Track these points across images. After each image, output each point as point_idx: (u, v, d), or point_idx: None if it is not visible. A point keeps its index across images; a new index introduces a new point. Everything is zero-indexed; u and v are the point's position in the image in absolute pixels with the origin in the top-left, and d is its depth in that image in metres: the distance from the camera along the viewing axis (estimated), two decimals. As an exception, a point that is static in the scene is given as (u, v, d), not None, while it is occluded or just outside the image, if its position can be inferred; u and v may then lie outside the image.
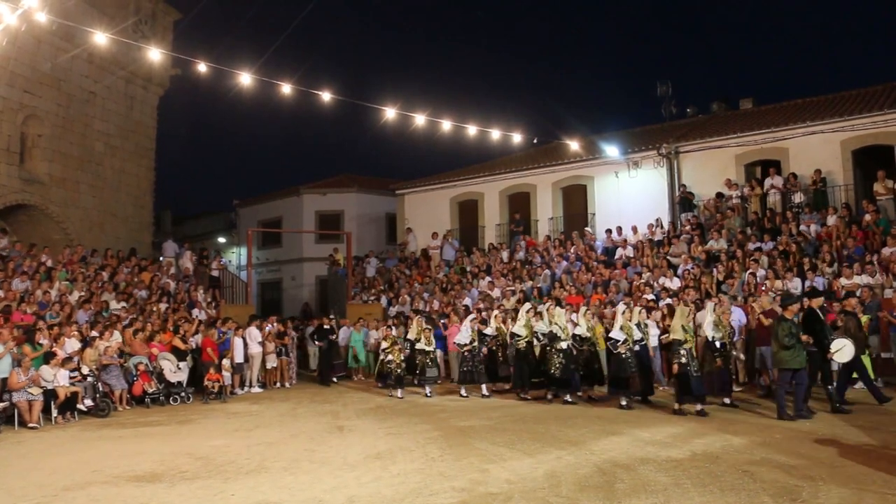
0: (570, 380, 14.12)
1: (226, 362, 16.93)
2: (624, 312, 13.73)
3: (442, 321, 19.35)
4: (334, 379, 19.60)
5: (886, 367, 14.41)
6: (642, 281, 18.97)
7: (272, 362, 18.79)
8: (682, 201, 22.57)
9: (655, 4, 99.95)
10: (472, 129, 21.00)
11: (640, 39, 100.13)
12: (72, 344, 15.12)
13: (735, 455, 8.84)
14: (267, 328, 19.08)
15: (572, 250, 22.63)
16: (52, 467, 9.48)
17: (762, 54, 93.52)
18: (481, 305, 19.98)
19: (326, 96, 18.44)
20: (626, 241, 22.22)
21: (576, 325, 14.73)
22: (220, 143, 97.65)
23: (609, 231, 23.00)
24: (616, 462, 8.62)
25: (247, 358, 18.23)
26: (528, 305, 16.27)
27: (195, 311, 20.57)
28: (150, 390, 15.64)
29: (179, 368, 16.45)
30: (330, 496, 7.58)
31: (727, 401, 12.76)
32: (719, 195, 21.87)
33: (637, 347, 13.46)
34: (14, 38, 21.35)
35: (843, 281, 16.00)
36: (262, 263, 34.13)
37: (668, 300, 16.61)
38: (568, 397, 14.04)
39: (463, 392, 15.78)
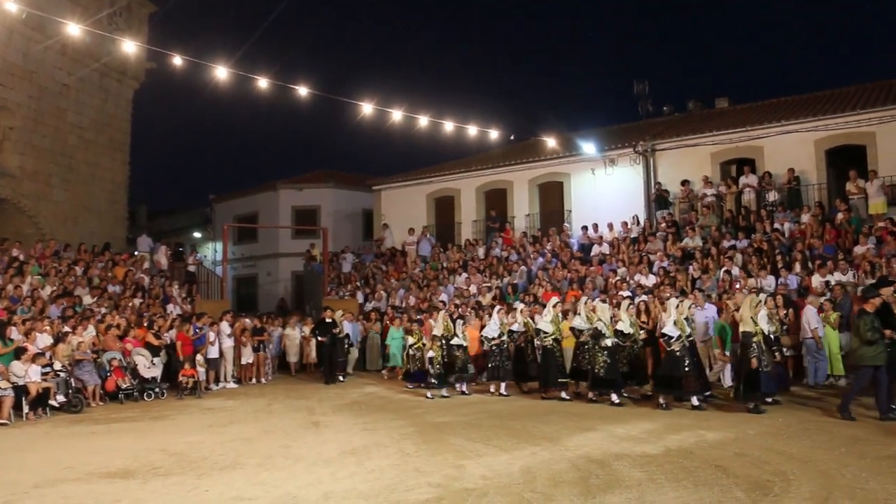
0: (616, 379, 13.27)
1: (200, 358, 16.81)
2: (678, 306, 12.84)
3: (418, 317, 19.32)
4: (340, 377, 18.53)
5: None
6: (618, 278, 19.08)
7: (248, 358, 18.68)
8: (658, 199, 22.72)
9: (633, 3, 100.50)
10: (449, 126, 21.03)
11: (618, 38, 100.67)
12: (44, 339, 14.93)
13: (708, 450, 8.92)
14: (246, 322, 19.00)
15: (548, 247, 22.70)
16: (23, 464, 9.37)
17: (738, 54, 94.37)
18: (457, 301, 20.00)
19: (303, 91, 18.41)
20: (601, 237, 22.34)
21: (618, 320, 13.84)
22: (196, 137, 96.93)
23: (585, 228, 23.11)
24: (590, 458, 8.67)
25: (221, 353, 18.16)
26: (554, 300, 15.41)
27: (170, 307, 20.41)
28: (124, 386, 15.49)
29: (153, 364, 16.31)
30: (305, 492, 7.55)
31: (778, 398, 12.32)
32: (684, 182, 22.17)
33: (687, 343, 12.66)
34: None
35: (816, 278, 16.16)
36: (237, 259, 33.94)
37: (644, 297, 16.70)
38: (615, 397, 13.12)
39: (492, 389, 15.07)
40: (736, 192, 21.27)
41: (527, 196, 26.07)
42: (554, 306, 14.81)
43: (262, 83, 17.88)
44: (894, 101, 20.08)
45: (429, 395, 15.09)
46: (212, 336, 17.47)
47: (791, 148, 21.02)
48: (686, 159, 23.03)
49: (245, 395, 16.53)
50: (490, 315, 16.27)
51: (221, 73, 17.17)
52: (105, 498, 7.59)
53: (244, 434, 11.24)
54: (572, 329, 14.38)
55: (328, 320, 18.71)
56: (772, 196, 20.39)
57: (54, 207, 24.88)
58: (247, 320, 19.41)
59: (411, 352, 16.54)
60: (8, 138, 23.40)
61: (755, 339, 11.64)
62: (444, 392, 15.09)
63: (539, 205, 25.97)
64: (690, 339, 12.78)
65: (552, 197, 25.69)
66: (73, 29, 17.94)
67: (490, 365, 15.28)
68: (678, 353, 12.41)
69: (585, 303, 14.52)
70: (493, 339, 15.19)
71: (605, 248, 21.60)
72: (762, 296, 12.76)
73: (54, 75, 24.95)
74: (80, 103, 26.09)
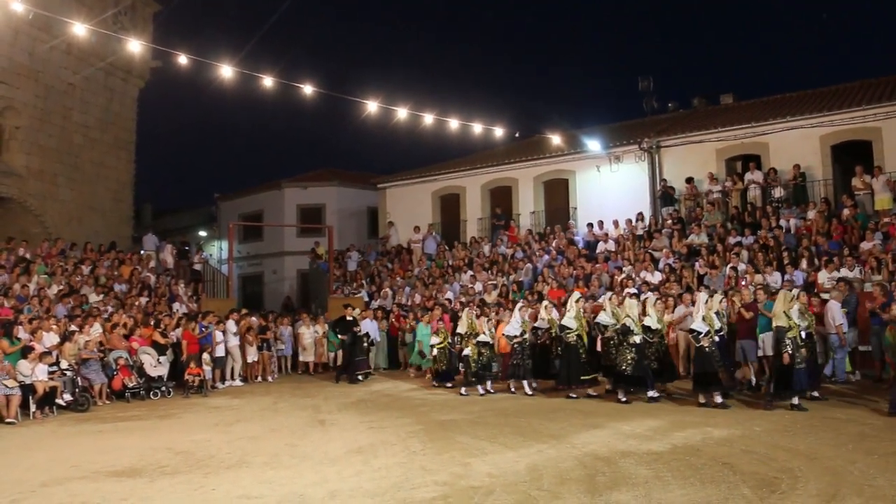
0: (645, 377, 12.86)
1: (206, 356, 16.83)
2: (706, 301, 12.61)
3: (423, 314, 19.32)
4: (359, 377, 17.82)
5: (864, 361, 14.52)
6: (624, 275, 19.05)
7: (253, 356, 18.69)
8: (664, 195, 22.69)
9: (637, 0, 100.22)
10: (454, 124, 21.04)
11: (622, 35, 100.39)
12: (50, 338, 14.97)
13: (715, 448, 8.90)
14: (252, 320, 19.02)
15: (554, 244, 22.68)
16: (30, 463, 9.39)
17: (743, 50, 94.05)
18: (462, 299, 19.99)
19: (308, 89, 18.42)
20: (607, 235, 22.31)
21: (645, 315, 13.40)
22: (201, 136, 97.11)
23: (590, 225, 23.09)
24: (597, 455, 8.65)
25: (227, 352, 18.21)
26: (577, 295, 15.00)
27: (176, 305, 20.44)
28: (131, 385, 15.52)
29: (160, 363, 16.34)
30: (311, 490, 7.56)
31: (815, 394, 12.18)
32: (689, 179, 22.13)
33: (717, 338, 12.43)
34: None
35: (822, 275, 16.11)
36: (243, 257, 33.97)
37: (649, 294, 16.65)
38: (652, 393, 12.78)
39: (512, 388, 14.79)
40: (741, 189, 21.22)
41: (532, 193, 26.06)
42: (577, 302, 14.42)
43: (267, 82, 17.89)
44: (900, 96, 20.02)
45: (463, 391, 14.90)
46: (219, 336, 17.50)
47: (796, 144, 20.98)
48: (691, 156, 23.00)
49: (251, 393, 16.56)
50: (496, 313, 16.19)
51: (226, 71, 17.19)
52: (112, 496, 7.60)
53: (250, 432, 11.26)
54: (597, 325, 14.16)
55: (349, 318, 18.39)
56: (777, 192, 20.34)
57: (60, 206, 24.95)
58: (253, 319, 19.40)
59: (436, 351, 16.33)
60: (14, 138, 23.47)
61: (790, 334, 11.45)
62: (480, 390, 14.83)
63: (544, 202, 25.96)
64: (720, 333, 12.57)
65: (557, 194, 25.69)
66: (79, 28, 17.97)
67: (512, 363, 14.93)
68: (707, 349, 12.17)
69: (610, 298, 14.38)
70: (515, 336, 14.83)
71: (611, 246, 21.56)
72: (795, 290, 12.54)
73: (60, 75, 25.01)
74: (86, 102, 26.15)
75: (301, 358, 20.33)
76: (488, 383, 15.08)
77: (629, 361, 12.84)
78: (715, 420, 10.78)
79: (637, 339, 12.99)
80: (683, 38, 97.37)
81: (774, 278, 16.46)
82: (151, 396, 15.71)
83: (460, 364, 15.70)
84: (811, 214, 18.87)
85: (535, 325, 15.13)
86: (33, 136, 23.91)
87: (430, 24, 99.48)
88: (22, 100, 23.49)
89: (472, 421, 11.57)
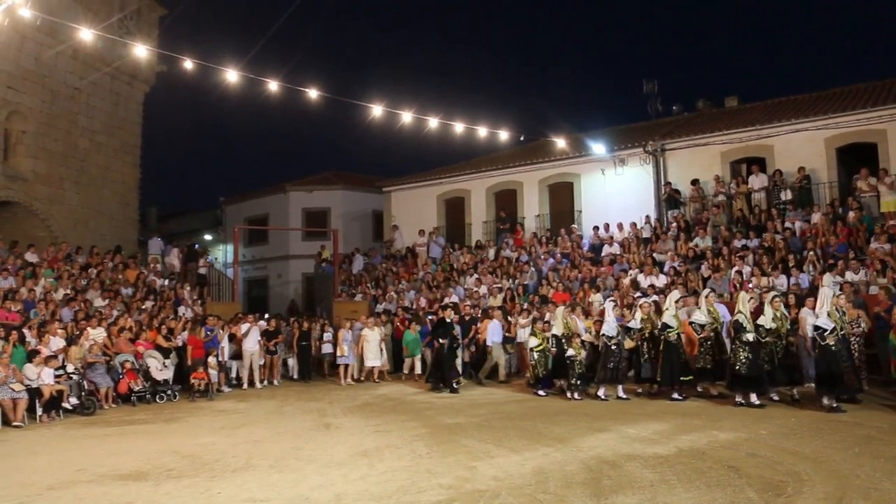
0: (760, 377, 12.28)
1: (212, 360, 16.86)
2: (836, 296, 12.08)
3: (429, 317, 19.35)
4: (454, 384, 16.33)
5: (870, 364, 14.47)
6: (629, 278, 19.04)
7: (260, 360, 18.69)
8: (668, 199, 22.67)
9: (642, 3, 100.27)
10: (458, 127, 21.03)
11: (627, 38, 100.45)
12: (56, 342, 15.02)
13: (720, 451, 8.88)
14: (261, 324, 19.08)
15: (559, 250, 22.67)
16: (37, 466, 9.41)
17: (747, 53, 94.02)
18: (468, 303, 20.00)
19: (313, 93, 18.44)
20: (612, 238, 22.30)
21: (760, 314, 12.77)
22: (206, 140, 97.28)
23: (596, 228, 23.08)
24: (602, 459, 8.65)
25: (235, 355, 18.25)
26: (676, 294, 14.63)
27: (181, 309, 20.48)
28: (136, 388, 15.55)
29: (165, 366, 16.38)
30: (317, 494, 7.57)
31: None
32: (694, 181, 22.12)
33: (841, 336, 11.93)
34: (-3, 34, 21.22)
35: (827, 278, 16.06)
36: (248, 261, 34.03)
37: (655, 297, 16.64)
38: (754, 398, 12.17)
39: (601, 393, 14.02)
40: (746, 192, 21.19)
41: (537, 197, 26.05)
42: (676, 302, 14.04)
43: (272, 85, 17.92)
44: (905, 98, 19.98)
45: (576, 395, 14.12)
46: (224, 342, 17.56)
47: (801, 146, 20.95)
48: (696, 159, 22.97)
49: (257, 397, 16.58)
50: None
51: (231, 75, 17.23)
52: (118, 500, 7.62)
53: (256, 436, 11.27)
54: (692, 324, 13.75)
55: (447, 320, 17.04)
56: (783, 195, 20.31)
57: (66, 210, 25.03)
58: (262, 322, 19.42)
59: (536, 355, 15.22)
60: (21, 142, 23.56)
61: (840, 333, 11.32)
62: (577, 395, 14.14)
63: (549, 205, 25.94)
64: (843, 332, 12.05)
65: (562, 197, 25.67)
66: (85, 33, 18.04)
67: (607, 366, 14.07)
68: (834, 348, 11.64)
69: (707, 296, 14.01)
70: (613, 337, 14.16)
71: (616, 249, 21.55)
72: (834, 289, 12.38)
73: (66, 79, 25.10)
74: (92, 107, 26.24)
75: (367, 364, 18.76)
76: (601, 389, 14.12)
77: (743, 361, 12.23)
78: (720, 423, 10.76)
79: (750, 336, 12.37)
80: (688, 41, 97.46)
81: (780, 281, 16.44)
82: (157, 400, 15.73)
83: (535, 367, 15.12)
84: (816, 217, 18.83)
85: (630, 324, 14.57)
86: (40, 141, 24.00)
87: (434, 28, 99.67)
88: (28, 104, 23.60)
89: (478, 424, 11.57)
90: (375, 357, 18.66)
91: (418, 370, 18.91)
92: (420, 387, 17.23)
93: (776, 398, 12.60)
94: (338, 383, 18.43)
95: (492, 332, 17.79)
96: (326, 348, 19.84)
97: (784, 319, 12.77)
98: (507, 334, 17.99)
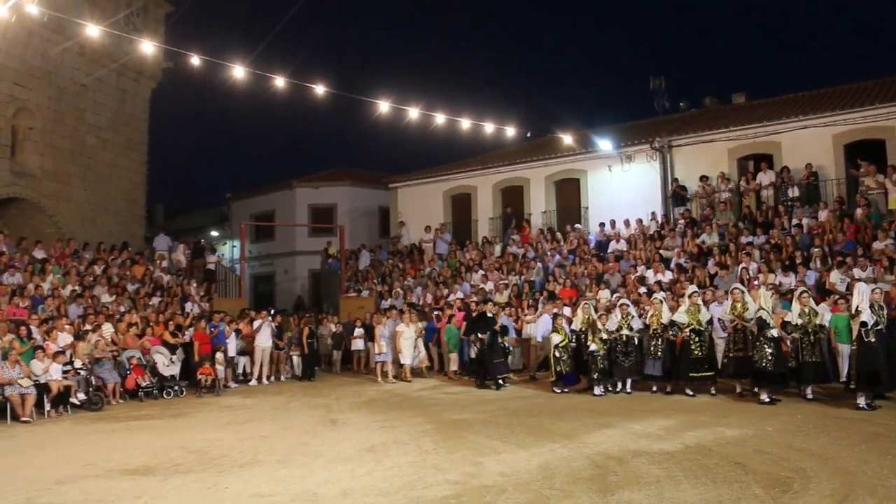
0: (784, 375, 12.20)
1: (219, 356, 16.90)
2: (875, 291, 11.81)
3: (435, 313, 19.34)
4: (500, 381, 15.78)
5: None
6: (637, 274, 19.01)
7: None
8: (675, 195, 22.63)
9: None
10: (465, 123, 21.02)
11: (633, 34, 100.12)
12: (64, 338, 15.07)
13: (727, 447, 8.88)
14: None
15: (565, 246, 22.64)
16: (45, 461, 9.45)
17: (755, 49, 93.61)
18: (474, 298, 19.97)
19: (319, 89, 18.44)
20: (618, 234, 22.27)
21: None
22: (213, 136, 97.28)
23: (602, 224, 23.05)
24: (609, 454, 8.65)
25: (243, 351, 18.30)
26: (692, 289, 14.48)
27: (188, 305, 20.52)
28: (144, 384, 15.60)
29: (172, 362, 16.43)
30: (324, 489, 7.59)
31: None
32: (701, 178, 22.05)
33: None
34: (4, 31, 21.34)
35: (835, 275, 16.01)
36: (255, 257, 34.07)
37: (661, 293, 16.59)
38: (764, 396, 12.10)
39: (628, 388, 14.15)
40: (754, 188, 21.13)
41: (543, 193, 26.02)
42: (690, 296, 13.86)
43: (278, 82, 17.92)
44: (914, 95, 19.90)
45: (599, 391, 14.05)
46: (231, 338, 17.59)
47: (809, 143, 20.88)
48: (703, 155, 22.91)
49: (263, 392, 16.62)
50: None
51: (238, 72, 17.23)
52: (126, 494, 7.65)
53: (263, 431, 11.30)
54: (674, 323, 13.74)
55: (489, 314, 16.50)
56: (790, 192, 20.25)
57: (73, 207, 25.11)
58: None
59: (558, 353, 14.78)
60: (28, 139, 23.64)
61: (878, 328, 11.23)
62: (597, 391, 14.06)
63: (556, 202, 25.91)
64: (878, 328, 11.58)
65: (569, 194, 25.65)
66: (92, 30, 18.05)
67: (619, 363, 14.12)
68: (875, 344, 11.32)
69: (731, 291, 13.62)
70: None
71: (623, 245, 21.52)
72: (871, 286, 12.26)
73: (73, 76, 25.16)
74: (98, 103, 26.30)
75: (403, 361, 17.76)
76: (628, 382, 14.16)
77: (769, 358, 12.08)
78: (727, 420, 10.75)
79: (774, 332, 12.25)
80: (695, 38, 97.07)
81: (789, 279, 16.39)
82: (164, 396, 15.78)
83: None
84: (823, 214, 18.76)
85: (674, 318, 14.03)
86: (46, 137, 24.07)
87: (440, 24, 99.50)
88: (35, 101, 23.66)
89: (484, 420, 11.58)
90: (409, 355, 17.79)
91: (454, 367, 18.38)
92: (461, 384, 16.79)
93: (810, 396, 12.40)
94: (373, 380, 17.74)
95: (542, 326, 17.15)
96: (357, 344, 19.61)
97: (812, 315, 12.68)
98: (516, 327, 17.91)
